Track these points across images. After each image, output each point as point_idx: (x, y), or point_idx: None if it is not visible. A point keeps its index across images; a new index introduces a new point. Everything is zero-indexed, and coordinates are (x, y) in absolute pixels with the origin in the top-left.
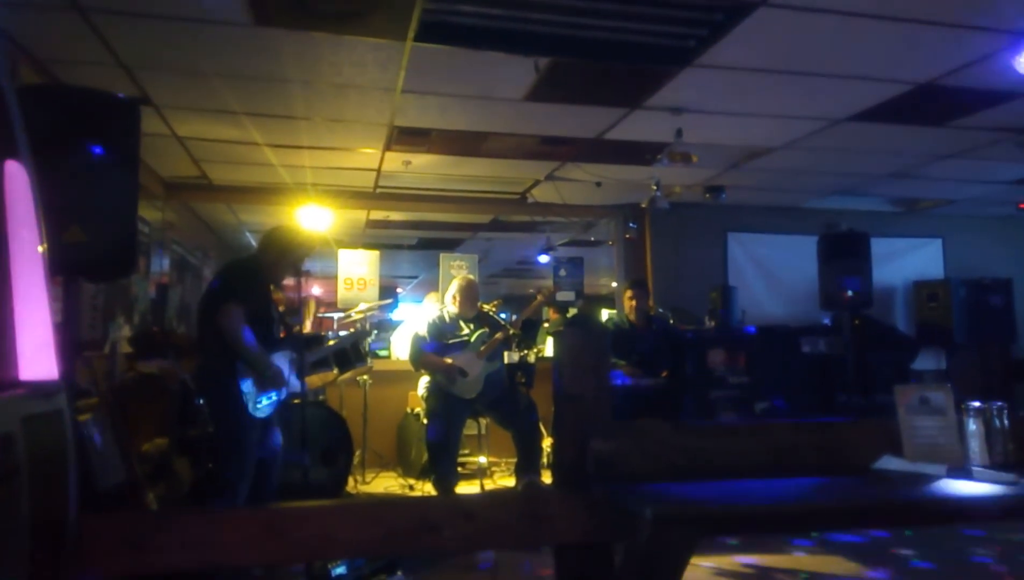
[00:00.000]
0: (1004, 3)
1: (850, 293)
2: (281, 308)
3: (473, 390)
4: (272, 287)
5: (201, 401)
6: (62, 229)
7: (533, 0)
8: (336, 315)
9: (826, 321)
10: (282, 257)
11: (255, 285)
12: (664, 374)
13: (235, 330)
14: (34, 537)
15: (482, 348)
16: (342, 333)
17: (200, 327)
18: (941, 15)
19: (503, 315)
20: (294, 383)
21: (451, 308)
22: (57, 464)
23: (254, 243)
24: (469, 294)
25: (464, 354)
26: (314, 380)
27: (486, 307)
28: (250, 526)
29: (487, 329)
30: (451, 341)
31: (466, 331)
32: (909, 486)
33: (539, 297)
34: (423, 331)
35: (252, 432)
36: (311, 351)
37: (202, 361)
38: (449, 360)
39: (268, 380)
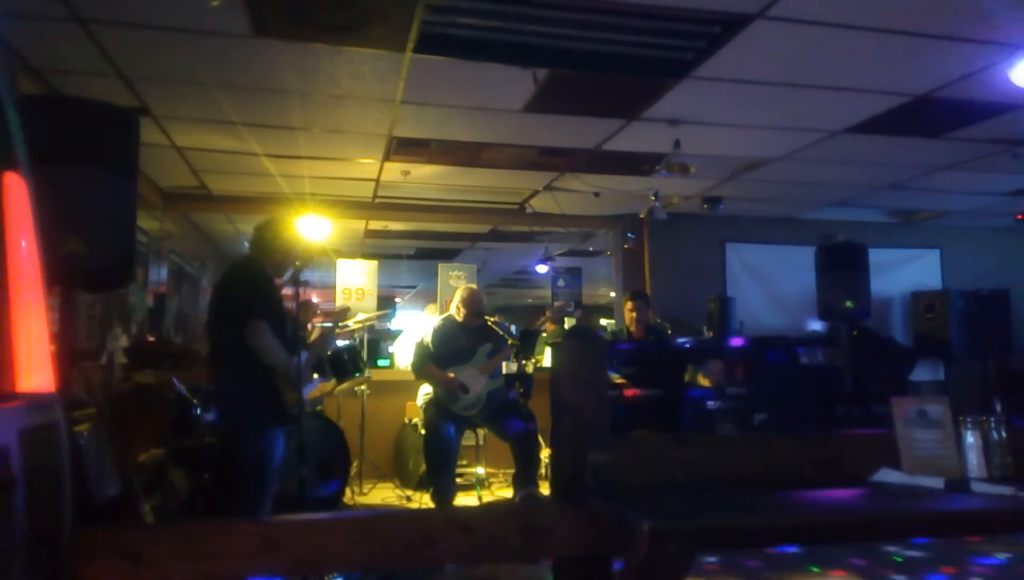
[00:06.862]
0: (1001, 16)
1: (848, 304)
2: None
3: (474, 408)
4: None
5: (210, 414)
6: (60, 239)
7: (532, 12)
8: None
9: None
10: (285, 253)
11: (268, 290)
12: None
13: (266, 346)
14: (29, 550)
15: (485, 365)
16: (339, 343)
17: (221, 340)
18: (938, 27)
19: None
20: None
21: (456, 318)
22: (53, 476)
23: None
24: (472, 303)
25: (467, 370)
26: (312, 391)
27: (490, 320)
28: (247, 539)
29: (492, 345)
30: (455, 351)
31: (470, 343)
32: (907, 499)
33: (547, 313)
34: (428, 338)
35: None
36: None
37: (224, 374)
38: (452, 374)
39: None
